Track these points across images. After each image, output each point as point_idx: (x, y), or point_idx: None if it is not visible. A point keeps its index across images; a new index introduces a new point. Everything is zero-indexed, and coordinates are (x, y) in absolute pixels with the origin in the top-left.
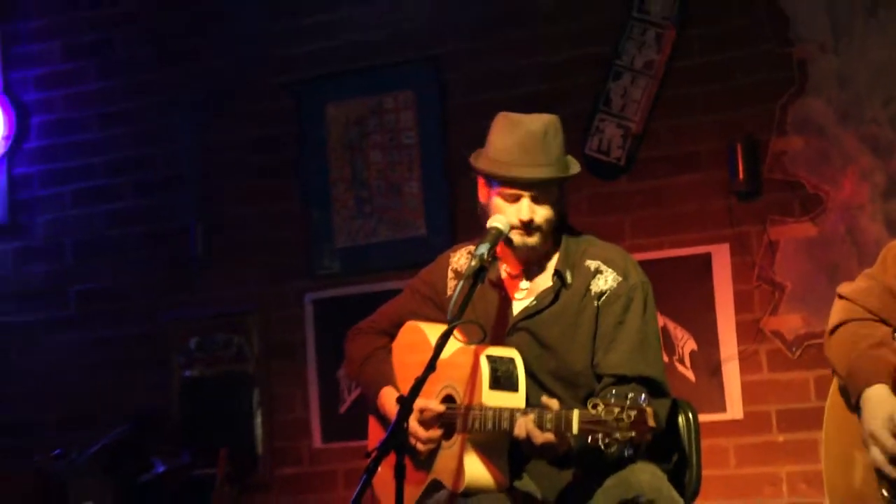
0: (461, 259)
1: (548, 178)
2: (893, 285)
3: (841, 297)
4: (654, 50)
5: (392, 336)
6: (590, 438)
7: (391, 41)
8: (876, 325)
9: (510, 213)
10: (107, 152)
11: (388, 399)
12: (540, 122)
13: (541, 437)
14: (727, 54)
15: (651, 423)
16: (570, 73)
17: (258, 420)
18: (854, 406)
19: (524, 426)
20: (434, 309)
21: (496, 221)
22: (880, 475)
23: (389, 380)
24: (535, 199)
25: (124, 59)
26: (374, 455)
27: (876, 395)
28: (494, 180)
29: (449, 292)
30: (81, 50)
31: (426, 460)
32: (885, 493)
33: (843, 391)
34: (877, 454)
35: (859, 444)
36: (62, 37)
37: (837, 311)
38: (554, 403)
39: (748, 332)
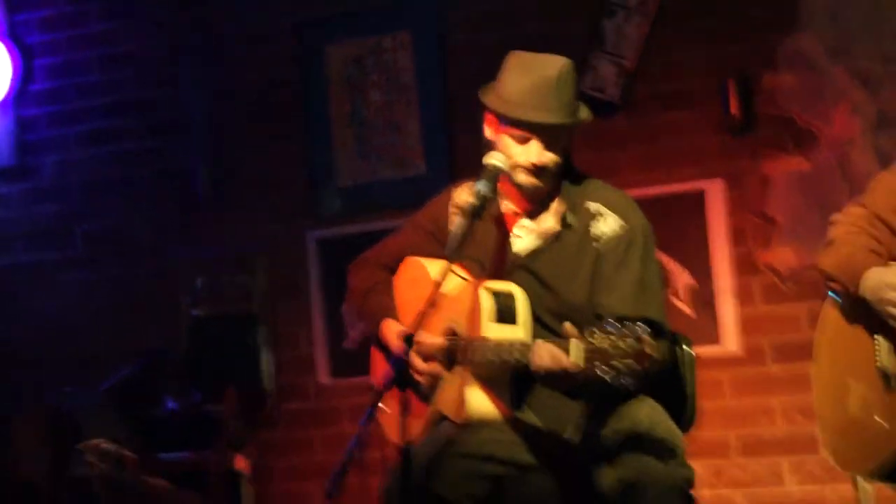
0: (464, 194)
1: (559, 122)
2: (881, 213)
3: (832, 222)
4: None
5: (393, 270)
6: (590, 367)
7: None
8: (870, 239)
9: (518, 154)
10: (112, 94)
11: (389, 330)
12: (554, 67)
13: (566, 361)
14: None
15: (649, 351)
16: (565, 12)
17: (264, 357)
18: (853, 298)
19: (549, 352)
20: (436, 244)
21: (493, 158)
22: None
23: (390, 312)
24: (545, 142)
25: (127, 1)
26: (378, 390)
27: (876, 272)
28: (505, 120)
29: (451, 227)
30: None
31: (429, 394)
32: (878, 419)
33: (839, 309)
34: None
35: (852, 372)
36: None
37: (831, 230)
38: (573, 331)
39: (742, 265)
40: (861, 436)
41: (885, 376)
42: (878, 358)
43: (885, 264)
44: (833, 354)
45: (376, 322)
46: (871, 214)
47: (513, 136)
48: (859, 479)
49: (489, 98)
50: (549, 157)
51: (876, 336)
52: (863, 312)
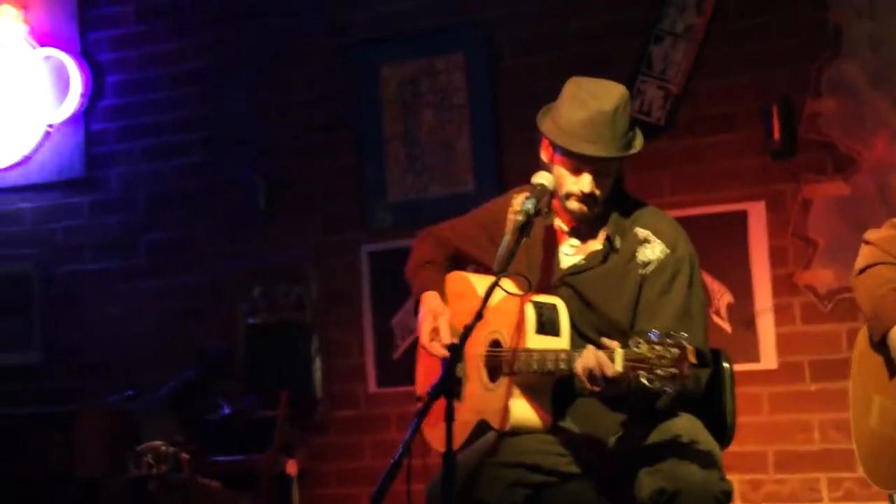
0: (521, 203)
1: (613, 156)
2: None
3: (867, 242)
4: (695, 14)
5: (450, 250)
6: (633, 375)
7: (442, 5)
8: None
9: (570, 183)
10: (176, 110)
11: (429, 300)
12: (611, 100)
13: (612, 368)
14: (765, 18)
15: (692, 359)
16: (613, 36)
17: (317, 365)
18: (879, 344)
19: (595, 356)
20: (487, 241)
21: (540, 178)
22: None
23: (437, 286)
24: (597, 174)
25: (193, 22)
26: (424, 399)
27: None
28: (560, 149)
29: (507, 228)
30: (153, 13)
31: (471, 402)
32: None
33: (868, 336)
34: None
35: (878, 387)
36: (135, 1)
37: (865, 255)
38: (614, 344)
39: (782, 285)
40: (892, 452)
41: None
42: None
43: None
44: (863, 370)
45: (421, 290)
46: None
47: (566, 166)
48: (894, 496)
49: (546, 125)
50: (600, 188)
51: None
52: None
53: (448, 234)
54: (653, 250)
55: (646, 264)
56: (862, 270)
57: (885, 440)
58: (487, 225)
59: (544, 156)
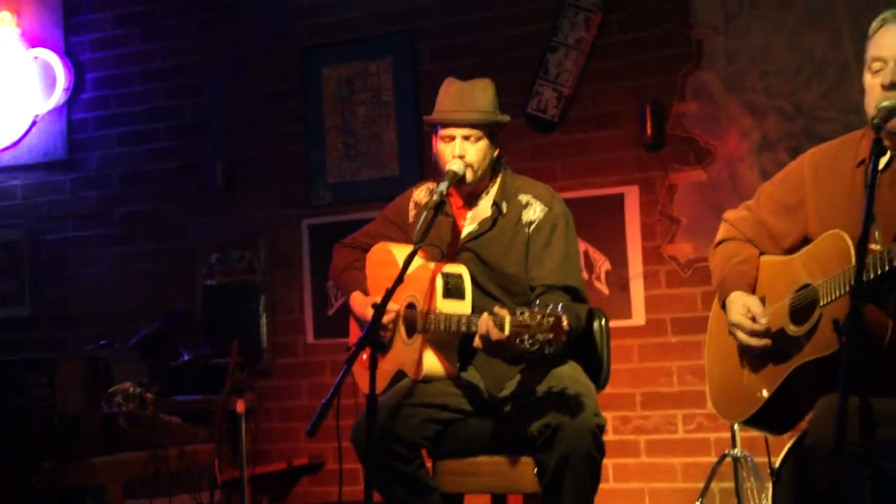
0: (421, 193)
1: (471, 120)
2: (763, 218)
3: (725, 220)
4: (583, 29)
5: (366, 251)
6: (517, 339)
7: (377, 18)
8: (747, 247)
9: (447, 153)
10: (147, 102)
11: (357, 301)
12: (472, 82)
13: (497, 334)
14: (640, 34)
15: (565, 327)
16: (517, 46)
17: (263, 320)
18: (722, 307)
19: (486, 326)
20: (398, 232)
21: (453, 165)
22: (746, 352)
23: (359, 286)
24: (466, 138)
25: (163, 27)
26: (352, 349)
27: (736, 296)
28: (435, 126)
29: (410, 220)
30: (129, 19)
31: (393, 354)
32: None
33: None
34: (741, 335)
35: (723, 337)
36: (113, 8)
37: (721, 231)
38: (503, 312)
39: (651, 256)
40: (736, 391)
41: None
42: None
43: (748, 284)
44: (718, 324)
45: (348, 293)
46: (755, 218)
47: (443, 139)
48: (735, 425)
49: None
50: (471, 153)
51: None
52: None
53: (362, 240)
54: (534, 210)
55: (530, 223)
56: (717, 244)
57: (726, 381)
58: (395, 219)
59: (433, 148)
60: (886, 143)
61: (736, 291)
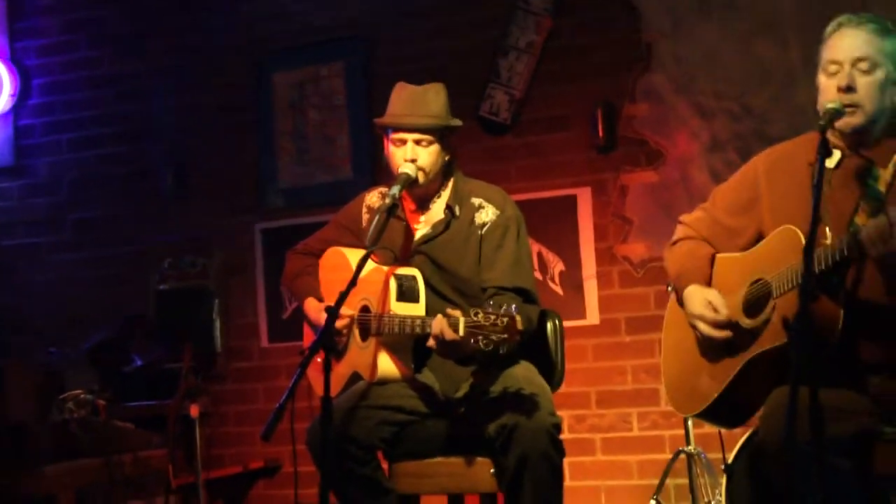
0: (374, 198)
1: (423, 125)
2: (719, 217)
3: (681, 223)
4: (534, 33)
5: (318, 256)
6: (472, 340)
7: (330, 24)
8: (703, 245)
9: (398, 157)
10: (95, 108)
11: (310, 307)
12: (424, 87)
13: (451, 335)
14: (590, 38)
15: (519, 327)
16: (469, 50)
17: (217, 324)
18: (679, 302)
19: (440, 327)
20: (351, 236)
21: (405, 168)
22: (704, 345)
23: (312, 292)
24: (418, 143)
25: (109, 33)
26: (306, 353)
27: (694, 290)
28: (386, 129)
29: (363, 224)
30: (75, 24)
31: (347, 357)
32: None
33: (676, 295)
34: (702, 327)
35: (685, 332)
36: (59, 13)
37: (678, 232)
38: (456, 313)
39: (604, 256)
40: (691, 385)
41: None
42: None
43: (703, 279)
44: (674, 321)
45: (301, 299)
46: (711, 218)
47: (394, 143)
48: (689, 422)
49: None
50: (422, 157)
51: None
52: None
53: (315, 246)
54: (487, 213)
55: (483, 226)
56: (674, 243)
57: (682, 375)
58: (348, 224)
59: (385, 151)
60: (838, 143)
61: (693, 285)
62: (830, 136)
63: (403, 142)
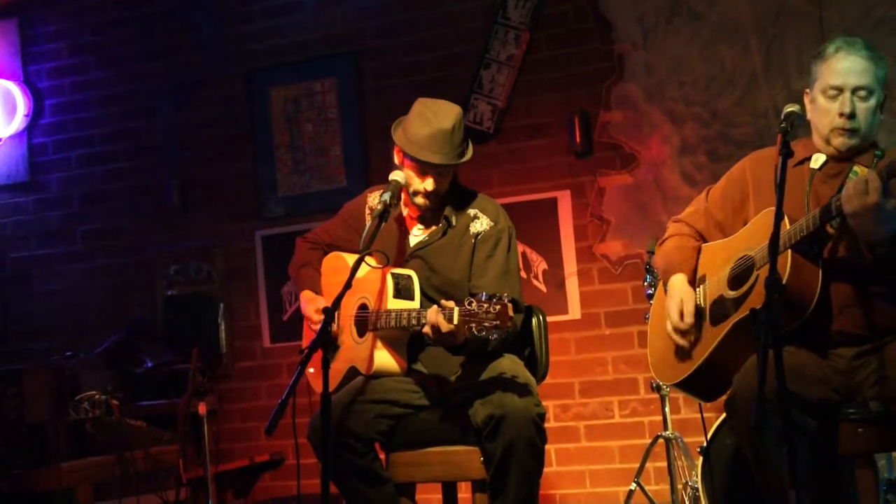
0: (375, 199)
1: (449, 164)
2: (712, 211)
3: (677, 220)
4: (514, 46)
5: (323, 248)
6: (466, 327)
7: (322, 40)
8: (691, 240)
9: (416, 183)
10: (103, 126)
11: (306, 298)
12: (448, 119)
13: (446, 326)
14: (566, 50)
15: (511, 313)
16: (453, 64)
17: (222, 327)
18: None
19: (435, 316)
20: (353, 233)
21: (396, 175)
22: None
23: (314, 286)
24: (438, 175)
25: (116, 56)
26: (305, 351)
27: (677, 282)
28: (409, 156)
29: (366, 220)
30: (82, 48)
31: (344, 354)
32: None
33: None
34: (667, 325)
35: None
36: (68, 38)
37: (670, 229)
38: (450, 304)
39: (584, 255)
40: (674, 354)
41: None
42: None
43: (689, 269)
44: (659, 307)
45: (300, 289)
46: (705, 211)
47: (414, 170)
48: (667, 408)
49: (398, 136)
50: (440, 186)
51: (696, 288)
52: None
53: (321, 237)
54: (481, 223)
55: (476, 235)
56: (664, 240)
57: (667, 348)
58: (350, 220)
59: (396, 159)
60: (831, 150)
61: (679, 274)
62: (822, 146)
63: (424, 172)
